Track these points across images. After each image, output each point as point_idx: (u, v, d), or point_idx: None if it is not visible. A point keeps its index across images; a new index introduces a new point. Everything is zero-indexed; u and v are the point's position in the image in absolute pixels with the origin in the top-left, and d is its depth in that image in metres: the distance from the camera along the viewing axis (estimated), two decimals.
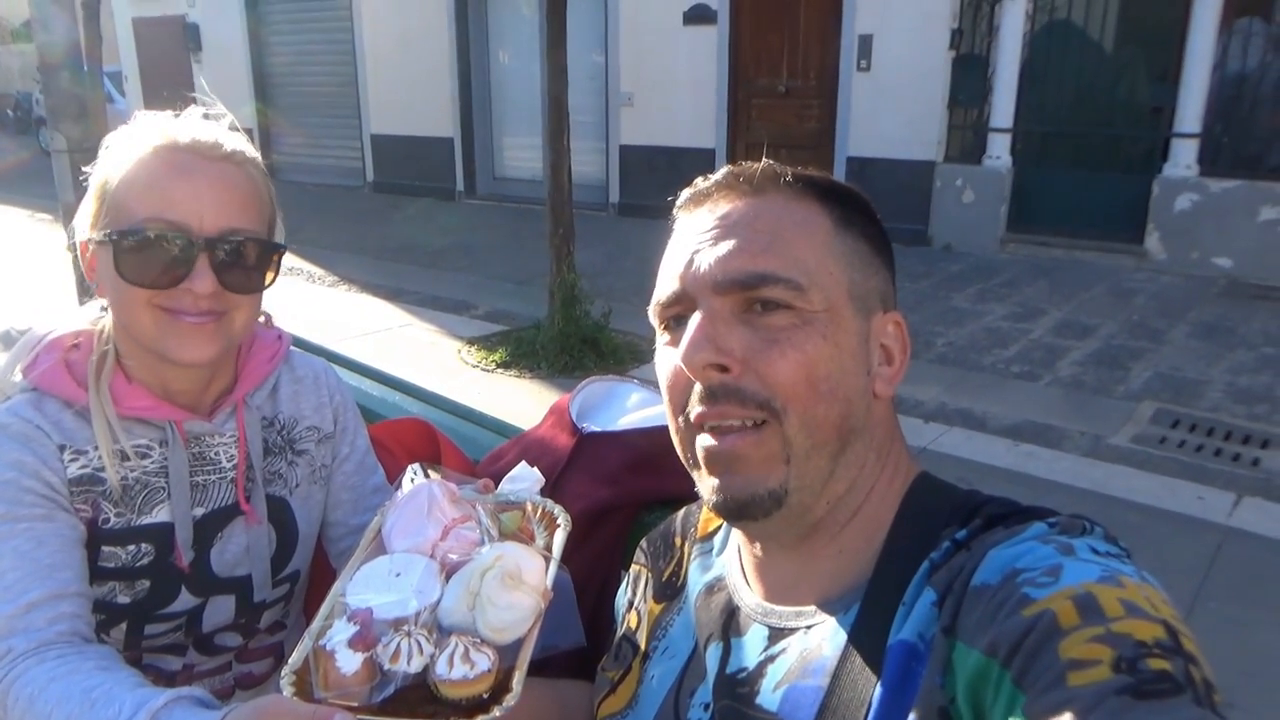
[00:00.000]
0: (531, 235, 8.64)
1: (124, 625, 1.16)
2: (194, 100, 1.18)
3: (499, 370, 5.93)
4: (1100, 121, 8.20)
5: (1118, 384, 5.42)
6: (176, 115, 1.13)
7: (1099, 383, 5.46)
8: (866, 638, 0.73)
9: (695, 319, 0.77)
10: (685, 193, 0.84)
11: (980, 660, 0.62)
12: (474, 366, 6.02)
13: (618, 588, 1.15)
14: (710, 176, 0.84)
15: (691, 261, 0.79)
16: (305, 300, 7.39)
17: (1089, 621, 0.59)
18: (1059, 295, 7.26)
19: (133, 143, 1.10)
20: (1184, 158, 7.79)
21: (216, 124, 1.14)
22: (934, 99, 8.68)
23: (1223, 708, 0.56)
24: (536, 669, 1.02)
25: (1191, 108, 7.66)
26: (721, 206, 0.80)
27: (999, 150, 8.60)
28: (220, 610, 1.23)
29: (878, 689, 0.70)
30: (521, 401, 5.28)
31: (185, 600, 1.19)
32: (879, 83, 8.89)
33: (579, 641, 0.85)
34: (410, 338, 6.71)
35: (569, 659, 1.25)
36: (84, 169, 1.14)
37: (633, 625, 1.02)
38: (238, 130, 1.16)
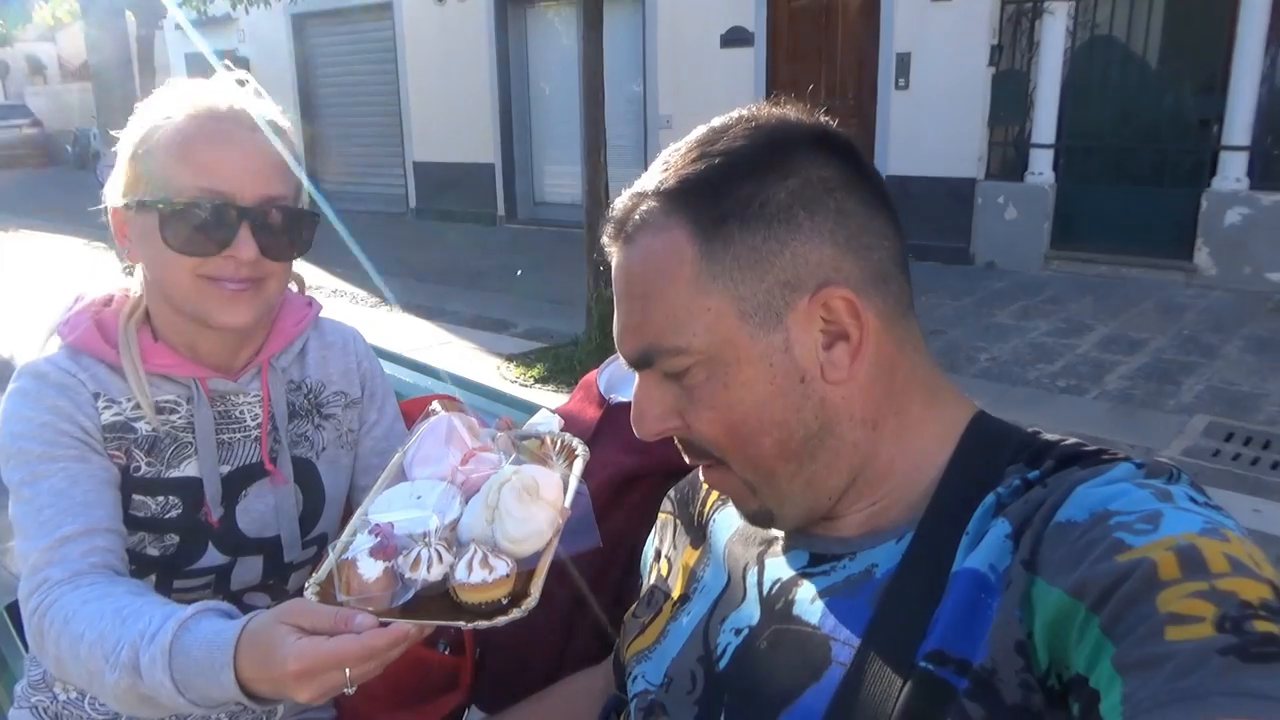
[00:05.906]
0: (571, 258, 8.67)
1: (153, 578, 1.18)
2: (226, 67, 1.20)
3: (537, 385, 5.96)
4: (1146, 135, 8.08)
5: (1168, 398, 5.28)
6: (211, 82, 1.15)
7: (1149, 396, 5.32)
8: (924, 563, 0.71)
9: (634, 388, 0.81)
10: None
11: (1064, 600, 0.60)
12: (513, 381, 6.05)
13: None
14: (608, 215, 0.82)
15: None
16: (346, 320, 7.45)
17: (1191, 575, 0.56)
18: (1105, 311, 7.12)
19: (170, 109, 1.10)
20: (1233, 171, 7.64)
21: (249, 92, 1.16)
22: (974, 115, 8.63)
23: None
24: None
25: (1240, 120, 7.52)
26: (613, 261, 0.81)
27: (1041, 166, 8.51)
28: (248, 570, 1.24)
29: (939, 614, 0.68)
30: None
31: (213, 557, 1.19)
32: (918, 101, 8.86)
33: (595, 544, 0.84)
34: (450, 355, 6.78)
35: (589, 646, 1.24)
36: (112, 133, 1.16)
37: (663, 573, 1.02)
38: (264, 95, 1.17)
